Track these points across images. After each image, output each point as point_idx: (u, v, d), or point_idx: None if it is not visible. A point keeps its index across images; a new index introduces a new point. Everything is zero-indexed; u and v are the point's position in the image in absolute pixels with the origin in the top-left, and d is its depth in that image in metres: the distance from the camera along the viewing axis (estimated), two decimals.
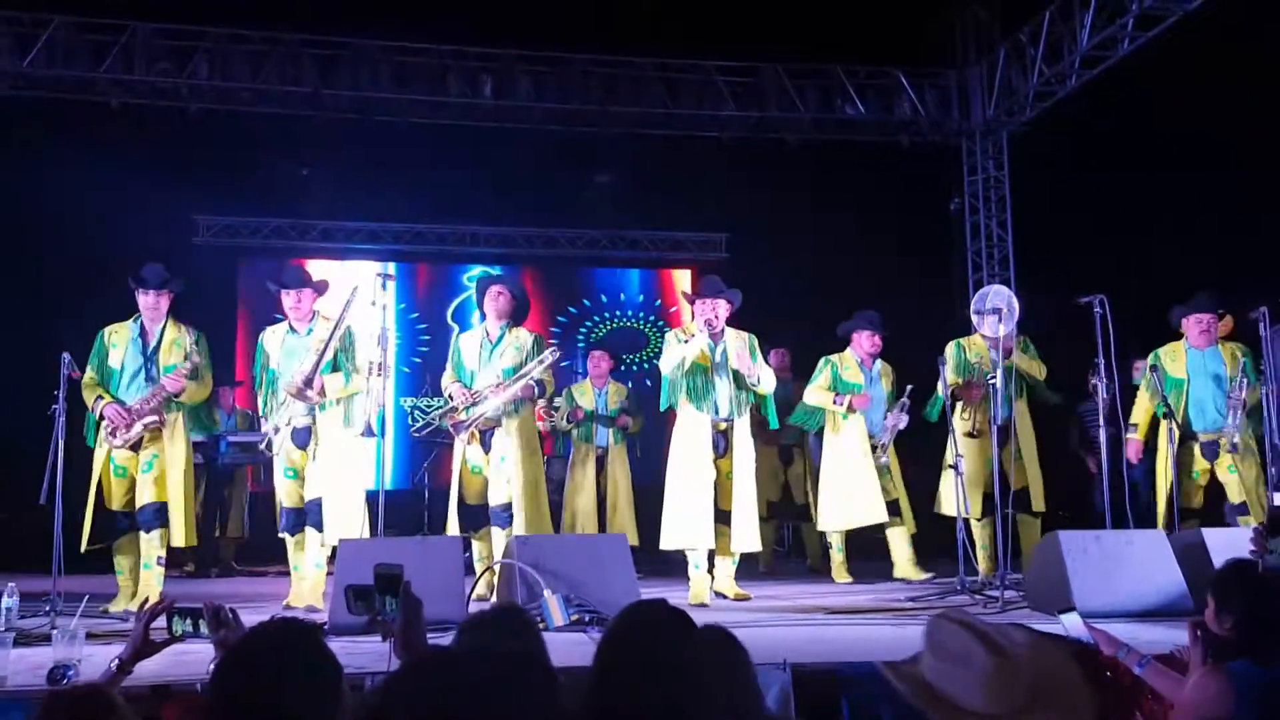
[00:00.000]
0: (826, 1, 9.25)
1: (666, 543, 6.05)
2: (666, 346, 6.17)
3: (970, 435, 6.70)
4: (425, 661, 1.35)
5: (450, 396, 6.26)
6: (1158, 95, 8.65)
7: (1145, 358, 6.69)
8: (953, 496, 6.23)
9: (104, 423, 5.70)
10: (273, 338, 6.08)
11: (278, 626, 1.80)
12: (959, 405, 6.75)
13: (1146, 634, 4.06)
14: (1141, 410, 6.63)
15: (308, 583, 5.83)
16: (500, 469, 6.13)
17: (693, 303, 6.20)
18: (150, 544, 5.69)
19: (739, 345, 6.07)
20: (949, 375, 6.58)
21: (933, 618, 1.54)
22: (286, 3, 9.12)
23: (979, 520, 6.71)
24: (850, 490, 7.10)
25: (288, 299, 5.98)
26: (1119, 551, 5.19)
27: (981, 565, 6.54)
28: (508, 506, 6.08)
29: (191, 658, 3.23)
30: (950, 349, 6.87)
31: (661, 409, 6.30)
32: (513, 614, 2.49)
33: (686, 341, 6.05)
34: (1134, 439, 6.56)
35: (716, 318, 6.01)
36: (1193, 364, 6.48)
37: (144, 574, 5.68)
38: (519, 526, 6.00)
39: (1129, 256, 8.84)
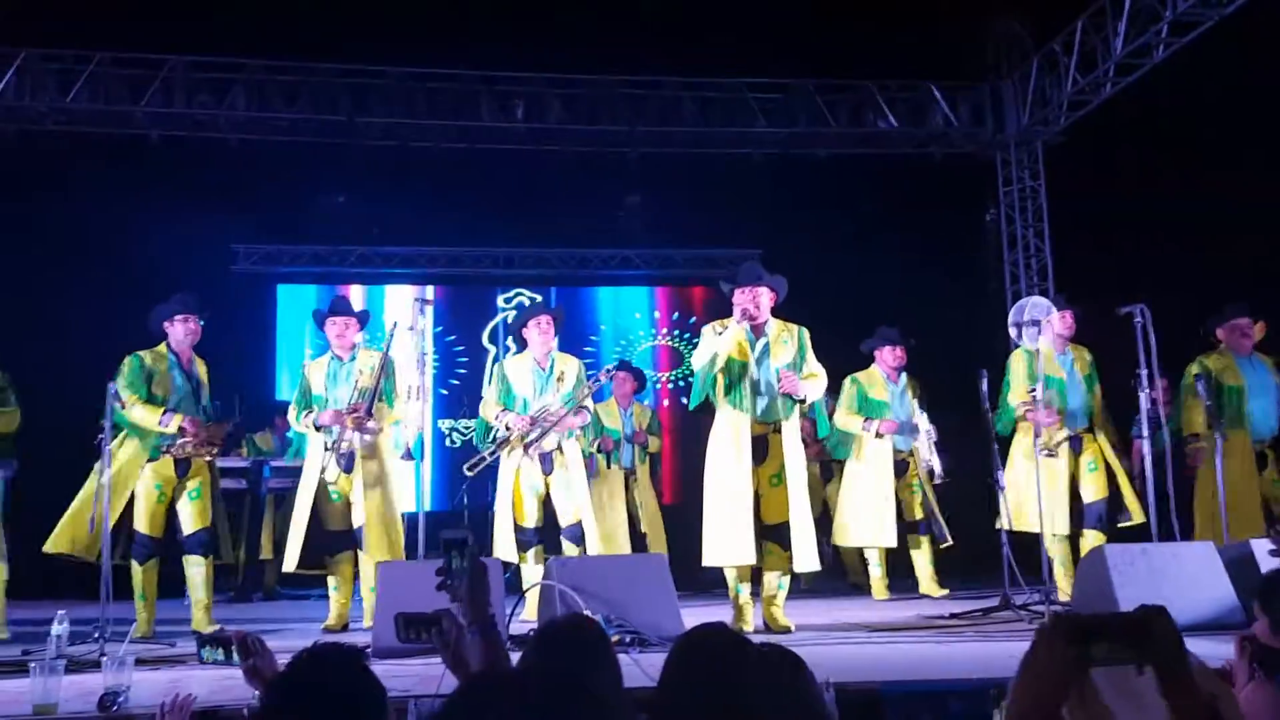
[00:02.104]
0: (856, 17, 9.25)
1: (708, 559, 5.55)
2: (702, 341, 5.58)
3: (1050, 454, 6.30)
4: (479, 687, 1.34)
5: (507, 426, 6.16)
6: (1194, 101, 8.56)
7: (1181, 369, 6.58)
8: (1033, 511, 5.95)
9: (183, 437, 5.83)
10: (316, 367, 6.24)
11: (320, 652, 1.81)
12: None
13: (1196, 648, 3.97)
14: (1200, 421, 6.40)
15: (366, 604, 5.96)
16: (569, 493, 6.15)
17: (731, 294, 5.56)
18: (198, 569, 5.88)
19: (786, 342, 5.54)
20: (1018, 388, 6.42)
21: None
22: (320, 35, 9.28)
23: (1056, 536, 6.33)
24: (861, 512, 7.19)
25: (334, 327, 6.15)
26: (1166, 565, 5.10)
27: (1062, 584, 6.25)
28: (578, 524, 6.12)
29: (238, 683, 3.26)
30: (1020, 358, 6.53)
31: (690, 408, 5.84)
32: (582, 630, 2.46)
33: (721, 334, 5.50)
34: (1202, 448, 6.38)
35: (757, 307, 5.47)
36: (1244, 371, 6.39)
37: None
38: (593, 545, 6.07)
39: (1169, 264, 8.72)
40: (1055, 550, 6.32)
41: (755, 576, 5.58)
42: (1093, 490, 6.36)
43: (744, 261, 11.59)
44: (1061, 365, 6.51)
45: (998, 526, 6.19)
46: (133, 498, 5.81)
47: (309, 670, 1.74)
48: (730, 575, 5.52)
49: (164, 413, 5.80)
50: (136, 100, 9.38)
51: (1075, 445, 6.50)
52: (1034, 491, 5.87)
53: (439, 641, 2.29)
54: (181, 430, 5.80)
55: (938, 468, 7.31)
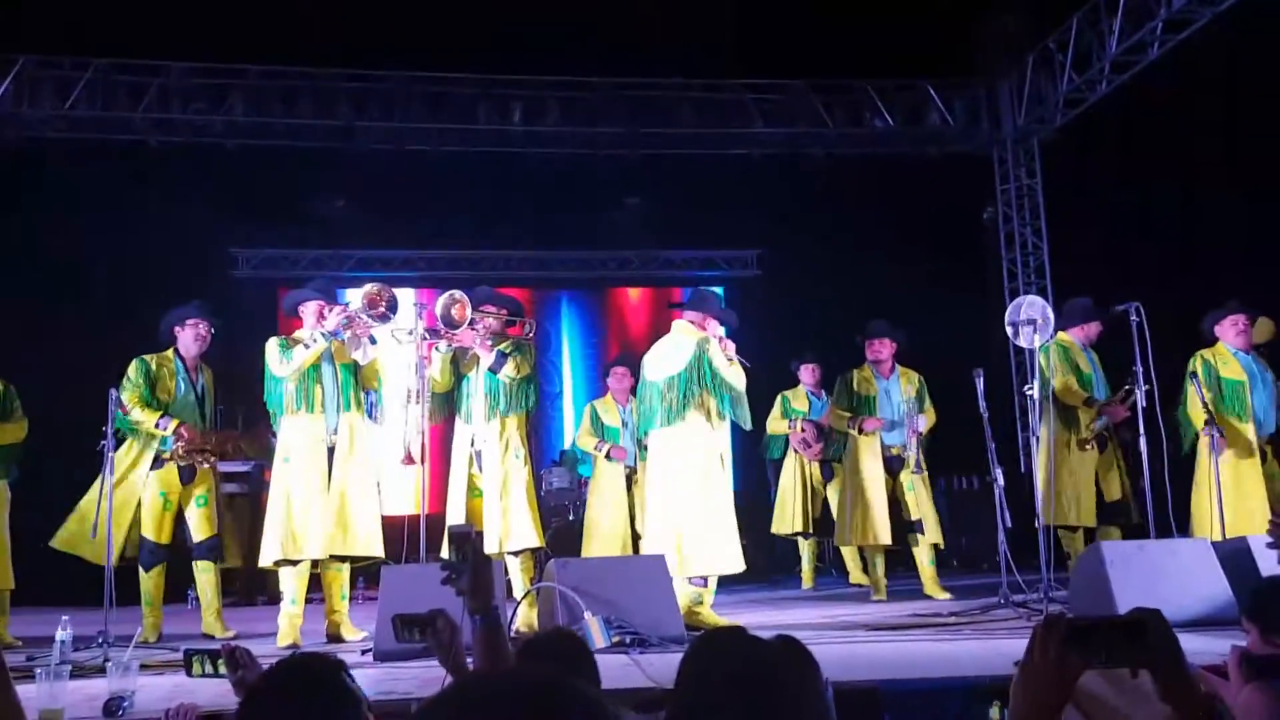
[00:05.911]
0: (852, 17, 9.28)
1: (732, 565, 5.71)
2: (730, 362, 5.81)
3: (1082, 447, 6.54)
4: (465, 688, 1.36)
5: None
6: (1191, 97, 8.59)
7: (1177, 366, 6.58)
8: (1052, 504, 6.27)
9: (177, 441, 5.86)
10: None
11: (295, 664, 1.84)
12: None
13: (1193, 644, 3.99)
14: (1200, 417, 6.38)
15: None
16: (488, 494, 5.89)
17: (718, 321, 6.01)
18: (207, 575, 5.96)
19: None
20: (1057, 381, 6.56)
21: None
22: (318, 40, 9.30)
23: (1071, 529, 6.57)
24: (853, 511, 7.13)
25: (315, 315, 5.75)
26: (1163, 561, 5.13)
27: None
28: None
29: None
30: (1054, 350, 6.62)
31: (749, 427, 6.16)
32: (565, 640, 2.52)
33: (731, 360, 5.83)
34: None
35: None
36: (1245, 367, 6.40)
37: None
38: (490, 545, 5.71)
39: (1166, 261, 8.73)
40: (1072, 544, 6.50)
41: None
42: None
43: (742, 262, 11.74)
44: (1090, 362, 6.75)
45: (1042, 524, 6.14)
46: (139, 505, 5.87)
47: (283, 682, 1.77)
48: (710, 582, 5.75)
49: (161, 416, 5.85)
50: (135, 107, 9.42)
51: (1101, 444, 6.61)
52: (1063, 483, 6.27)
53: (433, 641, 2.33)
54: (178, 434, 5.85)
55: (912, 461, 7.05)
